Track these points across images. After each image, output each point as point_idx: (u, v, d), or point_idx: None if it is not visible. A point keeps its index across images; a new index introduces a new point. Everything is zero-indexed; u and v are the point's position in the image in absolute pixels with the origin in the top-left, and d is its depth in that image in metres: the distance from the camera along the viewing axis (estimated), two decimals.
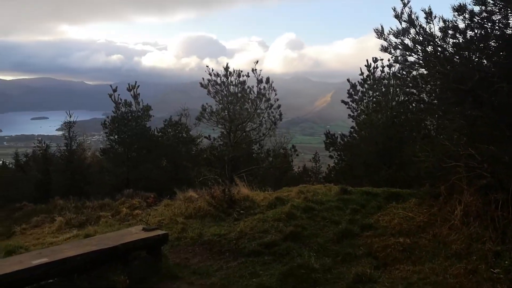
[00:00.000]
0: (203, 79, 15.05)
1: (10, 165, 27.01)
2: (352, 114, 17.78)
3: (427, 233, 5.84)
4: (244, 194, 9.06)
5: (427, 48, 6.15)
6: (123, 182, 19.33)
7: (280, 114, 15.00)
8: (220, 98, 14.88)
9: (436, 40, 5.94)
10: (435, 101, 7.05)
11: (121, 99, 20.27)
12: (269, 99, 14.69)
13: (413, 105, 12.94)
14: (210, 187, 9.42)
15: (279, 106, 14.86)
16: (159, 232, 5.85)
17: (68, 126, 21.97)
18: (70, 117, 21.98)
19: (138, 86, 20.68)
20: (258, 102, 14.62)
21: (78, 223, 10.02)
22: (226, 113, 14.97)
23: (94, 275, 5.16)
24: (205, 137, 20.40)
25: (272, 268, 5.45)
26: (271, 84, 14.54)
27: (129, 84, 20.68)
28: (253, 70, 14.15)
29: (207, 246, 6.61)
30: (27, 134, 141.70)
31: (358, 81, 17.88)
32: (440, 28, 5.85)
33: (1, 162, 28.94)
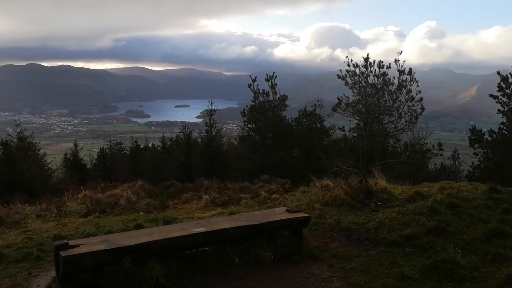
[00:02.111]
0: (340, 70, 15.02)
1: (158, 148, 30.14)
2: (502, 109, 16.31)
3: None
4: (382, 186, 8.98)
5: None
6: (258, 168, 20.31)
7: (422, 108, 14.31)
8: (358, 89, 14.69)
9: None
10: None
11: (259, 89, 21.23)
12: (410, 91, 14.09)
13: None
14: (346, 177, 9.49)
15: (421, 99, 14.17)
16: (302, 214, 6.16)
17: (209, 113, 23.71)
18: (211, 105, 23.70)
19: (276, 76, 21.43)
20: (398, 94, 14.13)
21: (221, 202, 10.80)
22: (363, 104, 14.77)
23: (243, 248, 5.65)
24: (339, 128, 20.45)
25: (413, 260, 5.39)
26: (413, 76, 13.93)
27: (267, 74, 21.55)
28: (396, 61, 13.73)
29: (345, 233, 6.75)
30: (171, 120, 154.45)
31: (510, 73, 16.35)
32: None
33: (151, 144, 32.44)
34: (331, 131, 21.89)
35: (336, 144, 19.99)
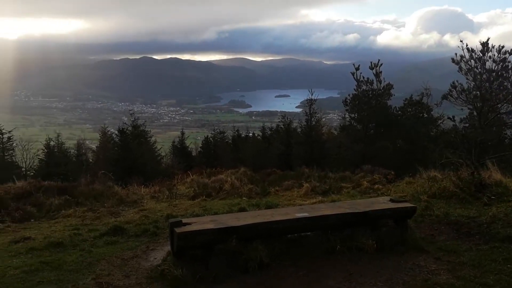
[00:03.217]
0: (456, 54, 14.04)
1: (258, 137, 31.10)
2: None
3: None
4: (496, 180, 8.36)
5: None
6: (360, 158, 19.92)
7: None
8: (473, 76, 13.64)
9: None
10: None
11: (363, 77, 20.72)
12: None
13: None
14: (456, 169, 8.99)
15: None
16: (407, 204, 5.99)
17: (309, 103, 23.83)
18: (312, 94, 23.77)
19: (381, 64, 20.71)
20: None
21: (321, 190, 10.81)
22: (479, 92, 13.69)
23: (345, 235, 5.66)
24: (449, 117, 19.22)
25: None
26: None
27: (371, 62, 20.91)
28: None
29: (454, 226, 6.43)
30: (271, 110, 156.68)
31: None
32: None
33: (251, 134, 33.57)
34: (440, 121, 20.68)
35: (445, 135, 18.81)
